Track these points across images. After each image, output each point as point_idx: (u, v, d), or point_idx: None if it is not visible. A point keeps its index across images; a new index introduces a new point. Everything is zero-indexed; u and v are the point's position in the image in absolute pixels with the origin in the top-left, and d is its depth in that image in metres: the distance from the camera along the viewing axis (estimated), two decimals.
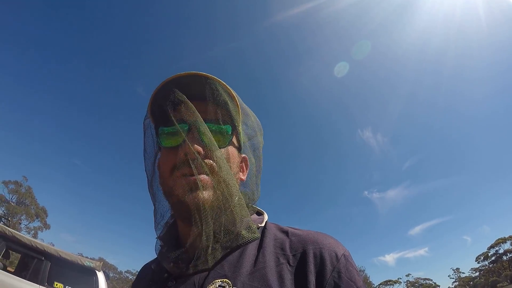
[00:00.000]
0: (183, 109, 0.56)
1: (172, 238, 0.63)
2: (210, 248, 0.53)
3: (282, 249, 0.54)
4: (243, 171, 0.67)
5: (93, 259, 6.08)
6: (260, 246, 0.56)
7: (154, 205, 0.65)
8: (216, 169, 0.54)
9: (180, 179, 0.53)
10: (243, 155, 0.68)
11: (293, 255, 0.53)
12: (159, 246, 0.63)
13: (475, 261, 44.43)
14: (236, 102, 0.61)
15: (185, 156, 0.53)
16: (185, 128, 0.56)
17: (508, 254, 39.23)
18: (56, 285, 4.65)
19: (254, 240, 0.57)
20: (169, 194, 0.56)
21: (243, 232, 0.56)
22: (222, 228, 0.55)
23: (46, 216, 32.56)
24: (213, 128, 0.57)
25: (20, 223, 30.21)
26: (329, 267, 0.50)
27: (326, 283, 0.48)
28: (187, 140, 0.53)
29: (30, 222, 31.20)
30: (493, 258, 41.60)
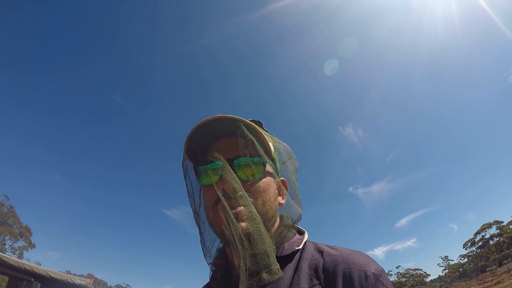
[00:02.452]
0: (215, 149, 0.67)
1: (223, 262, 0.69)
2: (246, 272, 0.55)
3: (316, 270, 0.58)
4: (282, 195, 0.71)
5: (82, 276, 5.94)
6: (297, 268, 0.59)
7: (202, 234, 0.71)
8: (248, 200, 0.60)
9: (219, 212, 0.61)
10: (281, 179, 0.73)
11: (325, 276, 0.56)
12: (211, 271, 0.71)
13: (463, 247, 45.90)
14: (262, 135, 0.67)
15: (222, 191, 0.60)
16: (219, 166, 0.63)
17: (494, 238, 40.65)
18: None
19: (290, 262, 0.61)
20: (212, 226, 0.66)
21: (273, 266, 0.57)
22: (258, 254, 0.57)
23: (31, 235, 31.49)
24: (243, 162, 0.64)
25: (4, 244, 29.02)
26: (357, 287, 0.52)
27: None
28: (222, 177, 0.61)
29: (14, 242, 30.07)
30: (480, 243, 42.97)
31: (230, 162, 0.63)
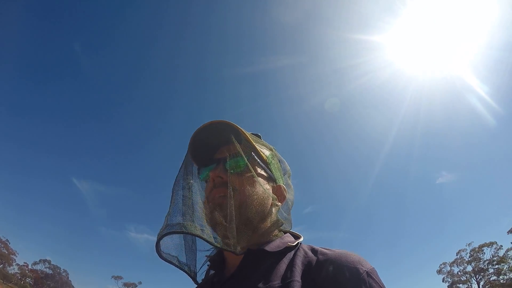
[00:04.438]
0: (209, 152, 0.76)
1: (219, 259, 0.73)
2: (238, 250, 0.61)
3: (309, 267, 0.59)
4: (279, 197, 0.76)
5: None
6: (291, 264, 0.61)
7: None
8: (229, 186, 0.65)
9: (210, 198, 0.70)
10: (279, 185, 0.77)
11: (318, 272, 0.57)
12: (207, 266, 0.76)
13: None
14: (248, 138, 0.72)
15: (212, 182, 0.70)
16: (212, 167, 0.73)
17: None
18: None
19: (284, 257, 0.64)
20: (206, 214, 0.69)
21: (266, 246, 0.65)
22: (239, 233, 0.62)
23: None
24: (230, 161, 0.70)
25: None
26: (349, 284, 0.53)
27: None
28: (212, 171, 0.70)
29: None
30: None
31: (219, 161, 0.72)
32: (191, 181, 0.75)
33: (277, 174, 0.78)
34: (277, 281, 0.58)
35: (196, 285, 0.75)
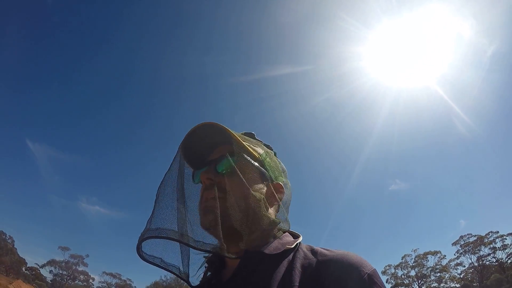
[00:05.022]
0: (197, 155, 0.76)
1: (217, 260, 0.72)
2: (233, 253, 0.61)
3: (309, 270, 0.58)
4: (274, 196, 0.72)
5: None
6: (290, 266, 0.59)
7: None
8: (214, 187, 0.66)
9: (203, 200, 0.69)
10: (275, 182, 0.74)
11: (319, 275, 0.56)
12: (205, 267, 0.74)
13: None
14: (237, 138, 0.70)
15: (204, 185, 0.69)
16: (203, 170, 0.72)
17: None
18: None
19: (283, 260, 0.62)
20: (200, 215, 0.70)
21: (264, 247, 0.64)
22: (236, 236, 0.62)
23: None
24: (221, 163, 0.70)
25: None
26: (351, 286, 0.53)
27: None
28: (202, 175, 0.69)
29: None
30: None
31: (211, 163, 0.71)
32: (184, 184, 0.75)
33: (273, 172, 0.75)
34: (275, 286, 0.56)
35: (191, 287, 0.73)
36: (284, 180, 0.78)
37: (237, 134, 0.71)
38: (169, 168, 0.74)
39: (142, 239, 0.63)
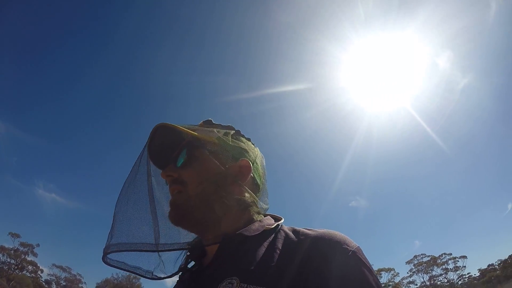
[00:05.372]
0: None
1: (199, 247, 0.69)
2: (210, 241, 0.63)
3: (291, 248, 0.57)
4: (242, 175, 0.70)
5: None
6: (270, 247, 0.59)
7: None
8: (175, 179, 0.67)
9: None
10: (242, 159, 0.71)
11: (301, 254, 0.54)
12: (186, 254, 0.72)
13: None
14: (185, 130, 0.70)
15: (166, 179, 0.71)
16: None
17: None
18: None
19: (264, 241, 0.60)
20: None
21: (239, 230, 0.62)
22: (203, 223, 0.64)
23: None
24: (178, 158, 0.70)
25: None
26: (335, 263, 0.51)
27: (332, 281, 0.49)
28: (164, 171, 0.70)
29: None
30: None
31: (168, 161, 0.72)
32: (154, 189, 0.76)
33: (237, 150, 0.73)
34: (254, 266, 0.54)
35: (169, 275, 0.71)
36: (249, 156, 0.74)
37: (187, 126, 0.71)
38: (134, 176, 0.74)
39: (107, 253, 0.64)
